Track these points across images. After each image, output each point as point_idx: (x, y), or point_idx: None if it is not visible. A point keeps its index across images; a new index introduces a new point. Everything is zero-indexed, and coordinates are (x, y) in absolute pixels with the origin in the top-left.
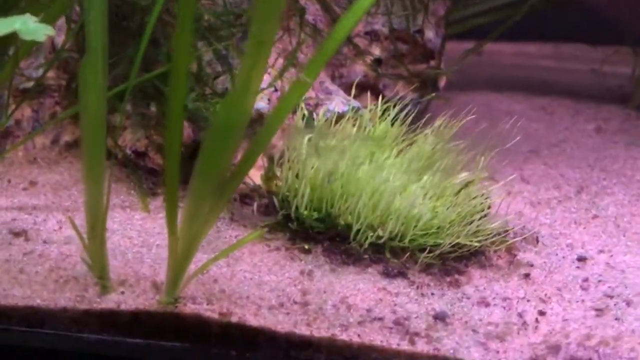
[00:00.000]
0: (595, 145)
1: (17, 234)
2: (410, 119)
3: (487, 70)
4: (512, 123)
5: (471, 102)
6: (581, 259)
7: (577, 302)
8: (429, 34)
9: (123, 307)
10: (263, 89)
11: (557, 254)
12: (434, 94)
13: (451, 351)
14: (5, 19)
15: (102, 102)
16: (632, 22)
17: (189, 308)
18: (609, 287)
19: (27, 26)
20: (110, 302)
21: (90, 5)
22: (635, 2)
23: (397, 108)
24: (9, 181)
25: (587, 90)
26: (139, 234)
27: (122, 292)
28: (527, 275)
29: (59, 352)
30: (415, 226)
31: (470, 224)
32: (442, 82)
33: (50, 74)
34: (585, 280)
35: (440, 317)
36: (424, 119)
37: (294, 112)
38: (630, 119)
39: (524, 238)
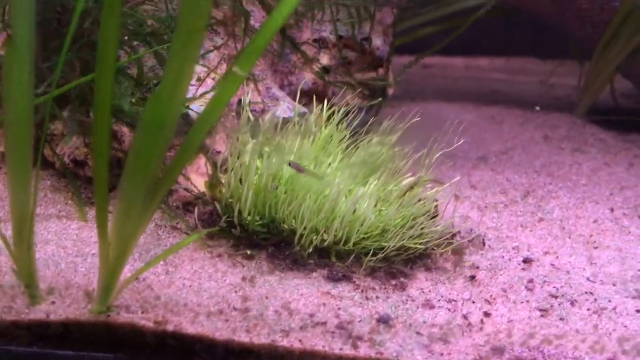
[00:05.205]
0: (542, 152)
1: None
2: (355, 124)
3: (439, 82)
4: (461, 131)
5: (422, 111)
6: (527, 261)
7: (522, 302)
8: (377, 41)
9: (53, 317)
10: (206, 93)
11: (503, 257)
12: (379, 99)
13: (394, 354)
14: None
15: (28, 98)
16: (576, 34)
17: (122, 317)
18: (554, 287)
19: None
20: (39, 312)
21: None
22: (579, 15)
23: (341, 113)
24: None
25: (535, 100)
26: (74, 243)
27: (53, 302)
28: (472, 277)
29: None
30: (359, 229)
31: (413, 227)
32: (391, 91)
33: None
34: (531, 281)
35: (383, 320)
36: (369, 124)
37: (239, 117)
38: (575, 126)
39: (471, 241)
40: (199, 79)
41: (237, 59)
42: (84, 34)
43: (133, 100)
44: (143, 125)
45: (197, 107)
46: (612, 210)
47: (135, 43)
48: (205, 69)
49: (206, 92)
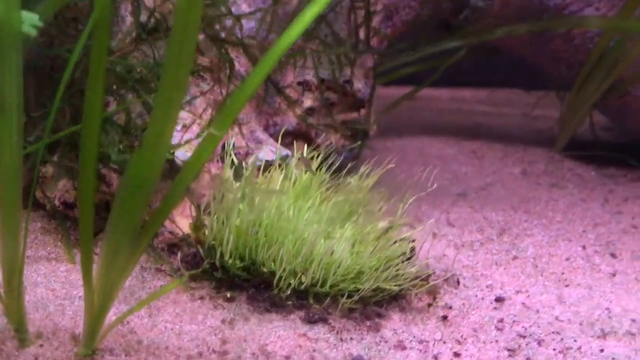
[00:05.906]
0: (520, 187)
1: None
2: (336, 166)
3: (424, 115)
4: (443, 167)
5: (405, 146)
6: (499, 300)
7: (492, 342)
8: (358, 84)
9: None
10: (190, 140)
11: (476, 295)
12: (358, 142)
13: None
14: None
15: (17, 156)
16: (552, 73)
17: None
18: (523, 327)
19: None
20: (28, 355)
21: (3, 61)
22: (554, 56)
23: (322, 156)
24: None
25: (517, 133)
26: (62, 285)
27: (41, 345)
28: (444, 318)
29: None
30: (335, 272)
31: (389, 268)
32: (372, 131)
33: None
34: (501, 320)
35: None
36: (348, 167)
37: (222, 161)
38: (554, 161)
39: (446, 280)
40: (184, 126)
41: (214, 120)
42: (74, 82)
43: (121, 147)
44: (128, 177)
45: (182, 154)
46: (584, 247)
47: (123, 91)
48: (191, 115)
49: (191, 140)
